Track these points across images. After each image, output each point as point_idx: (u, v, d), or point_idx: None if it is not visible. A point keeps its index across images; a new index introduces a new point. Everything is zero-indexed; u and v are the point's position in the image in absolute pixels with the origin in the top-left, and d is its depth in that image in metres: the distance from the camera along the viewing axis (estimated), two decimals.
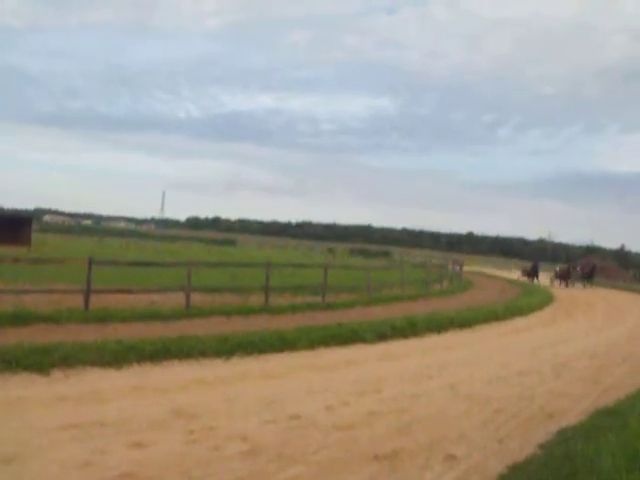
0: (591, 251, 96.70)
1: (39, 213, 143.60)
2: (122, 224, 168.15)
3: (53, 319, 12.76)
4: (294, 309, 17.96)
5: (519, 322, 20.72)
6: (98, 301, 14.73)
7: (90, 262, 14.88)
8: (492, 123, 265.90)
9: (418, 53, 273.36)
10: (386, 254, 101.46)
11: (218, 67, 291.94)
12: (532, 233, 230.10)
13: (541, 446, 6.95)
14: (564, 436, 7.22)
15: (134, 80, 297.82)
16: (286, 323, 14.67)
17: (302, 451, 6.41)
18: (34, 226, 58.98)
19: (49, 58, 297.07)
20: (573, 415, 8.60)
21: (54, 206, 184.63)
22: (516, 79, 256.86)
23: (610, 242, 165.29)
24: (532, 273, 48.04)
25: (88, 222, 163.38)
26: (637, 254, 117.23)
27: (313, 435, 7.02)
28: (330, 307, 19.24)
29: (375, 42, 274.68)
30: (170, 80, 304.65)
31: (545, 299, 29.55)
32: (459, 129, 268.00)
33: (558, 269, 50.57)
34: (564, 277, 47.46)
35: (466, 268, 50.88)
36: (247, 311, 16.56)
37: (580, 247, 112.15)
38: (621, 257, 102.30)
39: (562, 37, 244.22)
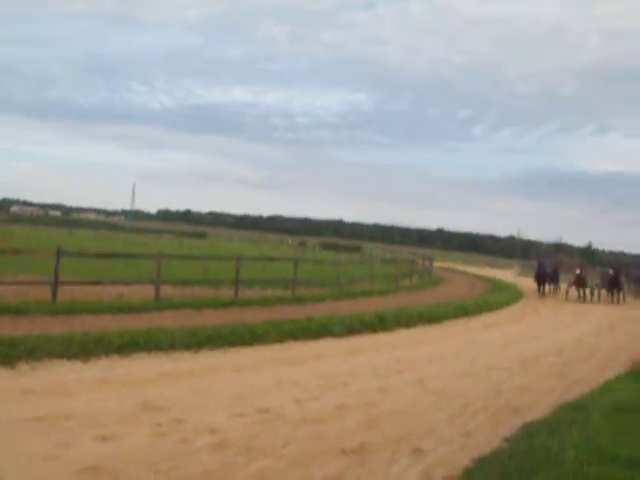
0: (559, 248, 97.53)
1: (6, 203, 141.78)
2: (92, 215, 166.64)
3: (20, 311, 12.62)
4: (264, 302, 17.97)
5: (488, 318, 20.91)
6: (66, 293, 14.60)
7: (58, 253, 14.73)
8: (467, 120, 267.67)
9: (396, 49, 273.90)
10: (357, 249, 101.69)
11: (195, 59, 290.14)
12: (502, 230, 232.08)
13: (507, 440, 7.03)
14: (529, 430, 7.31)
15: (110, 70, 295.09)
16: (256, 316, 14.65)
17: (270, 444, 6.42)
18: (1, 216, 58.27)
19: (23, 47, 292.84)
20: (539, 410, 8.70)
21: (22, 196, 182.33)
22: (493, 77, 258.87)
23: (578, 240, 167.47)
24: (545, 277, 33.99)
25: (57, 213, 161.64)
26: (604, 252, 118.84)
27: (282, 428, 7.03)
28: (300, 301, 19.27)
29: (353, 37, 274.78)
30: (146, 71, 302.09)
31: (514, 295, 29.85)
32: (434, 125, 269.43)
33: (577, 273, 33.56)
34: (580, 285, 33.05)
35: (436, 264, 51.21)
36: (217, 304, 16.52)
37: (548, 244, 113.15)
38: (588, 255, 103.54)
39: (539, 37, 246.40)
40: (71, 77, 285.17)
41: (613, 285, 32.36)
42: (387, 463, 6.19)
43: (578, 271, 33.47)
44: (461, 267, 68.63)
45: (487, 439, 7.18)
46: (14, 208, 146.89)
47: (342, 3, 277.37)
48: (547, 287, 34.36)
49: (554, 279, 34.62)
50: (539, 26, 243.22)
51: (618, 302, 31.99)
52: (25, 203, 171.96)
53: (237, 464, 5.83)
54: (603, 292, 33.11)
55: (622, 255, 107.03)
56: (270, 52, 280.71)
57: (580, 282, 32.78)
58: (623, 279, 33.03)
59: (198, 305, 15.91)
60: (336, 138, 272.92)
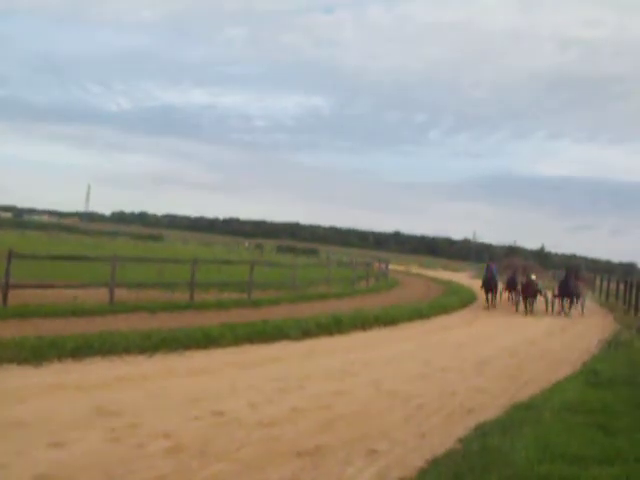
0: (513, 251, 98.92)
1: None
2: (45, 217, 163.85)
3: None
4: (220, 306, 17.90)
5: (443, 320, 21.12)
6: (17, 296, 14.35)
7: (9, 255, 14.47)
8: (424, 125, 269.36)
9: (354, 54, 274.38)
10: (313, 252, 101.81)
11: (152, 60, 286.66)
12: (457, 233, 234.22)
13: (460, 440, 7.13)
14: (482, 430, 7.42)
15: (64, 70, 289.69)
16: (211, 320, 14.59)
17: (225, 448, 6.41)
18: None
19: None
20: (492, 410, 8.82)
21: None
22: (449, 83, 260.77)
23: (531, 243, 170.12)
24: (494, 284, 28.31)
25: (8, 215, 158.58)
26: (556, 254, 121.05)
27: (237, 432, 7.02)
28: (256, 304, 19.25)
29: (311, 41, 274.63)
30: (102, 71, 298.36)
31: (468, 298, 30.15)
32: (391, 130, 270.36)
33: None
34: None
35: (392, 267, 51.53)
36: (172, 307, 16.42)
37: (503, 247, 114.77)
38: (542, 257, 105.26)
39: (494, 43, 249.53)
40: (22, 76, 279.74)
41: (564, 292, 26.58)
42: (342, 465, 6.23)
43: (534, 276, 27.83)
44: (417, 270, 69.17)
45: (441, 440, 7.26)
46: None
47: (302, 6, 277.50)
48: (500, 295, 28.76)
49: (511, 285, 28.75)
50: (494, 33, 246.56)
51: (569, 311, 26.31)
52: None
53: (192, 468, 5.81)
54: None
55: (574, 257, 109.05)
56: (228, 54, 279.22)
57: (529, 289, 26.73)
58: (576, 284, 27.09)
59: (153, 308, 15.79)
60: (294, 141, 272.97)
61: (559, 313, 26.35)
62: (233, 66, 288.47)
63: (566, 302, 26.64)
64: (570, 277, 26.84)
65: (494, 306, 27.54)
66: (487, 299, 28.04)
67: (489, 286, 27.93)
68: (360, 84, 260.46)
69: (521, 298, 27.34)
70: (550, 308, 26.80)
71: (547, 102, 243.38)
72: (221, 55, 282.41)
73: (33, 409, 7.25)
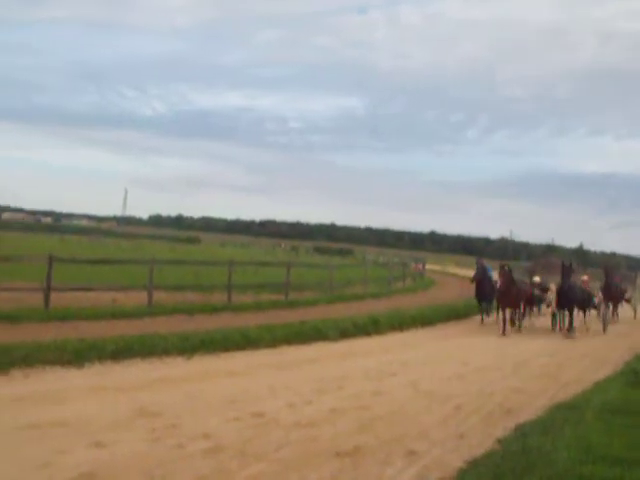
0: (551, 250, 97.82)
1: None
2: (84, 221, 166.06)
3: (12, 318, 12.61)
4: (257, 307, 17.98)
5: (479, 320, 20.94)
6: (59, 299, 14.58)
7: (51, 260, 14.71)
8: (460, 123, 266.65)
9: (388, 53, 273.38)
10: (349, 252, 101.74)
11: (187, 64, 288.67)
12: (494, 232, 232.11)
13: (500, 441, 7.07)
14: (522, 431, 7.35)
15: (101, 76, 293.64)
16: (249, 321, 14.65)
17: (264, 449, 6.43)
18: None
19: (11, 53, 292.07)
20: (531, 410, 8.74)
21: (14, 203, 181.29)
22: (485, 80, 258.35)
23: (570, 241, 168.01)
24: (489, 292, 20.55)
25: (49, 220, 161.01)
26: (595, 253, 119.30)
27: (275, 433, 7.04)
28: (293, 305, 19.29)
29: (345, 42, 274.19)
30: (138, 77, 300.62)
31: None
32: (427, 129, 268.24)
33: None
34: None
35: (428, 266, 51.30)
36: (210, 309, 16.53)
37: (541, 246, 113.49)
38: (580, 256, 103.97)
39: (532, 39, 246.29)
40: (61, 83, 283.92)
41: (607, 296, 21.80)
42: (381, 465, 6.21)
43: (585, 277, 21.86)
44: (453, 270, 68.72)
45: (480, 441, 7.21)
46: (5, 215, 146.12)
47: (334, 8, 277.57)
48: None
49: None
50: (532, 28, 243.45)
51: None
52: (16, 210, 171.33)
53: (231, 469, 5.84)
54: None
55: (614, 256, 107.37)
56: (263, 57, 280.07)
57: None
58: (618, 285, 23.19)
59: (191, 310, 15.92)
60: (329, 142, 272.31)
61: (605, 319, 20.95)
62: (267, 68, 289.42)
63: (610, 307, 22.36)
64: (610, 277, 22.67)
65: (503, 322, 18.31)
66: (482, 310, 20.77)
67: (482, 293, 20.61)
68: (395, 84, 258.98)
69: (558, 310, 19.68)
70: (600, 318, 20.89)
71: (588, 98, 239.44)
72: (255, 58, 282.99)
73: (75, 409, 7.36)
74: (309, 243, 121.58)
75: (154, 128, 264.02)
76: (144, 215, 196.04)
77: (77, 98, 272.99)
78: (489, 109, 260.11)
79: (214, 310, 16.52)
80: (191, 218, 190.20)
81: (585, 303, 20.09)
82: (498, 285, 18.61)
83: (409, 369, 11.53)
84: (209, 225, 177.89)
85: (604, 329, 20.39)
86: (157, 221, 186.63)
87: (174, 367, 10.23)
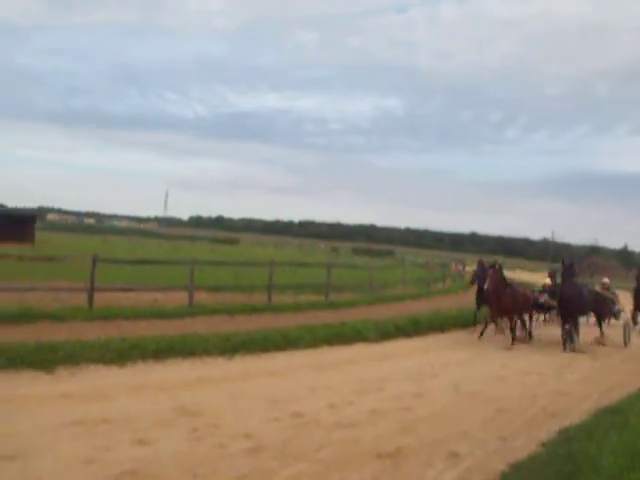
0: (595, 251, 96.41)
1: (43, 211, 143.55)
2: (125, 222, 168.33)
3: (57, 317, 12.79)
4: (297, 308, 17.98)
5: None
6: (102, 299, 14.76)
7: (94, 260, 14.91)
8: (499, 123, 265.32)
9: (427, 53, 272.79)
10: (389, 253, 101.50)
11: (226, 67, 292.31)
12: (536, 233, 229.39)
13: (544, 445, 6.98)
14: (566, 435, 7.24)
15: (141, 79, 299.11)
16: (289, 322, 14.68)
17: (305, 449, 6.44)
18: (38, 224, 59.09)
19: (55, 57, 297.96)
20: (575, 414, 8.61)
21: (58, 205, 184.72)
22: (524, 79, 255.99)
23: (614, 242, 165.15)
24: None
25: (91, 221, 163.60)
26: None
27: (316, 433, 7.05)
28: (333, 306, 19.27)
29: (384, 42, 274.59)
30: (177, 79, 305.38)
31: None
32: (466, 129, 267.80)
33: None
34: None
35: (469, 268, 50.87)
36: (250, 310, 16.58)
37: (584, 247, 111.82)
38: (624, 257, 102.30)
39: (571, 37, 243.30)
40: (102, 86, 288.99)
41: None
42: (423, 467, 6.18)
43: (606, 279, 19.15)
44: None
45: (523, 444, 7.13)
46: (50, 216, 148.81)
47: (373, 8, 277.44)
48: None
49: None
50: (571, 25, 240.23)
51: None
52: (60, 211, 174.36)
53: (272, 468, 5.85)
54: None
55: None
56: (302, 58, 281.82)
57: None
58: None
59: (231, 311, 15.98)
60: (369, 143, 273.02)
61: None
62: (307, 70, 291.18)
63: None
64: None
65: (501, 331, 17.00)
66: (476, 319, 17.81)
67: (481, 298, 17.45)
68: (434, 83, 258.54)
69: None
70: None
71: (629, 96, 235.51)
72: (294, 59, 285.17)
73: (119, 407, 7.45)
74: (348, 244, 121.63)
75: (194, 130, 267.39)
76: (184, 216, 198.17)
77: (118, 101, 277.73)
78: (528, 108, 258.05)
79: (254, 310, 16.57)
80: (231, 219, 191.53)
81: (599, 311, 16.80)
82: (485, 286, 15.55)
83: (450, 370, 11.45)
84: (249, 226, 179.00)
85: (625, 342, 16.54)
86: (197, 222, 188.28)
87: (215, 367, 10.29)
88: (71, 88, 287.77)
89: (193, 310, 15.61)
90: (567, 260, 16.11)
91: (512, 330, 15.72)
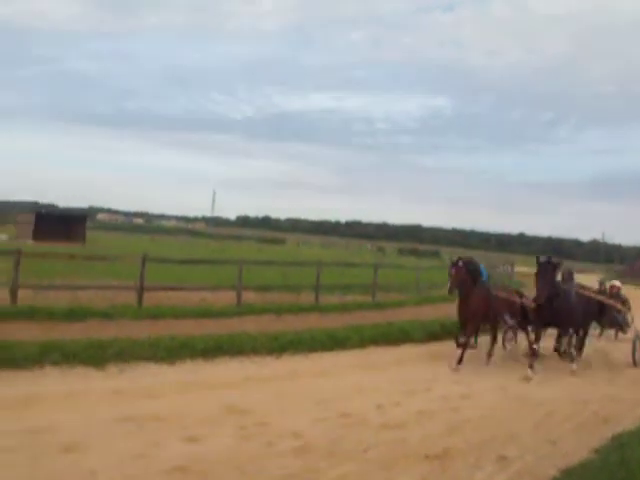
0: None
1: (93, 211, 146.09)
2: (173, 222, 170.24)
3: (107, 315, 12.98)
4: (344, 308, 17.95)
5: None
6: (151, 298, 14.94)
7: (143, 260, 15.11)
8: (550, 122, 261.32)
9: (476, 51, 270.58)
10: (435, 254, 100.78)
11: (274, 68, 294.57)
12: (586, 234, 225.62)
13: (596, 451, 6.85)
14: (620, 441, 7.10)
15: (190, 81, 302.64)
16: (336, 322, 14.66)
17: (353, 449, 6.44)
18: (88, 224, 60.16)
19: (107, 60, 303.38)
20: (628, 420, 8.44)
21: (107, 205, 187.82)
22: (575, 76, 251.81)
23: None
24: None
25: (140, 220, 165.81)
26: None
27: (364, 433, 7.04)
28: (380, 306, 19.19)
29: (432, 40, 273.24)
30: (226, 80, 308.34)
31: None
32: (516, 128, 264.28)
33: None
34: None
35: (517, 269, 50.21)
36: (298, 309, 16.60)
37: (635, 248, 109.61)
38: None
39: (623, 32, 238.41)
40: (151, 88, 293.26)
41: None
42: (471, 469, 6.13)
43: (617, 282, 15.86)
44: None
45: (574, 449, 7.01)
46: (100, 216, 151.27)
47: (421, 6, 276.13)
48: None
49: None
50: (623, 20, 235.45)
51: None
52: (110, 211, 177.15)
53: (320, 468, 5.88)
54: None
55: None
56: (349, 58, 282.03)
57: None
58: None
59: (279, 311, 16.03)
60: (416, 143, 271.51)
61: None
62: (354, 70, 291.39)
63: None
64: None
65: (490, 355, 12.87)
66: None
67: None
68: (483, 82, 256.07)
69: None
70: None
71: None
72: (342, 59, 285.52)
73: (168, 404, 7.56)
74: (394, 244, 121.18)
75: (242, 131, 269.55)
76: (232, 216, 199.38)
77: (168, 103, 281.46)
78: (579, 107, 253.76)
79: (302, 310, 16.59)
80: (278, 219, 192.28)
81: (590, 320, 13.37)
82: (448, 285, 12.53)
83: (498, 372, 11.32)
84: (295, 226, 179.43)
85: (636, 361, 13.22)
86: (244, 222, 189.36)
87: (263, 366, 10.35)
88: (121, 90, 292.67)
89: (241, 309, 15.70)
90: (542, 258, 12.47)
91: (467, 341, 12.16)
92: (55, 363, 8.82)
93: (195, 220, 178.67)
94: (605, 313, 13.69)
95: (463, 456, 6.49)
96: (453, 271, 12.45)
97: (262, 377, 9.55)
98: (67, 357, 9.00)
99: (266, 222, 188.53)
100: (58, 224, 50.44)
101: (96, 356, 9.25)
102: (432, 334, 14.38)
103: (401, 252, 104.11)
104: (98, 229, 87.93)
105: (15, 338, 9.62)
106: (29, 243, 40.50)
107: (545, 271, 12.16)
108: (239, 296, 16.48)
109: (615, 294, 14.64)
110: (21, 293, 13.24)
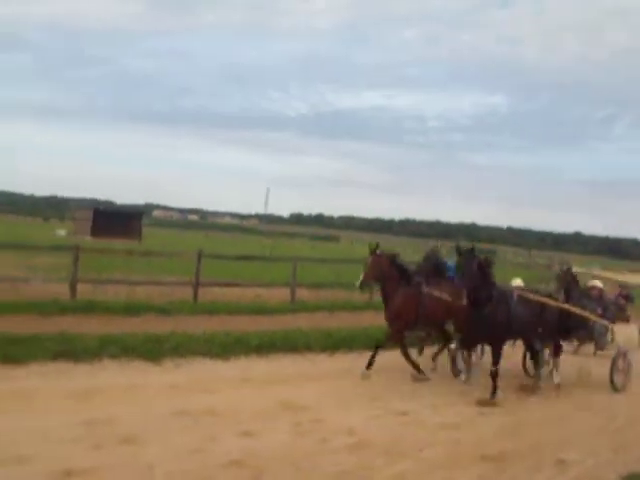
0: None
1: (149, 208, 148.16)
2: (227, 219, 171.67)
3: (164, 310, 13.14)
4: None
5: (633, 324, 19.86)
6: (206, 294, 15.07)
7: (199, 256, 15.25)
8: (607, 119, 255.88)
9: (533, 47, 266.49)
10: (490, 253, 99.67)
11: (327, 65, 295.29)
12: None
13: None
14: None
15: (245, 79, 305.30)
16: None
17: (409, 447, 6.41)
18: (144, 220, 61.06)
19: (164, 59, 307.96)
20: None
21: (163, 201, 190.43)
22: (635, 72, 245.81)
23: None
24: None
25: (195, 217, 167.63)
26: None
27: (420, 432, 6.99)
28: None
29: (487, 37, 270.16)
30: (280, 78, 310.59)
31: None
32: (573, 126, 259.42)
33: None
34: None
35: (574, 269, 49.36)
36: (351, 307, 16.55)
37: None
38: None
39: None
40: (207, 86, 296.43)
41: None
42: (529, 472, 6.05)
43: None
44: (599, 272, 65.78)
45: (637, 456, 6.82)
46: (155, 213, 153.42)
47: (476, 3, 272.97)
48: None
49: None
50: None
51: None
52: (165, 208, 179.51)
53: (376, 465, 5.85)
54: None
55: None
56: (402, 56, 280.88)
57: None
58: None
59: (332, 308, 16.00)
60: (470, 141, 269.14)
61: None
62: (407, 67, 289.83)
63: None
64: None
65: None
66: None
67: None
68: (539, 79, 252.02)
69: None
70: None
71: None
72: (395, 57, 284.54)
73: (224, 399, 7.61)
74: (448, 243, 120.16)
75: (296, 128, 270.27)
76: (285, 213, 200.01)
77: (223, 100, 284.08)
78: (637, 103, 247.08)
79: (355, 308, 16.54)
80: (331, 217, 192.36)
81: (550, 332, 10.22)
82: (360, 278, 10.59)
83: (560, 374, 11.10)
84: (349, 224, 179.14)
85: (614, 382, 10.14)
86: (298, 219, 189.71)
87: (317, 363, 10.35)
88: (178, 88, 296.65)
89: (295, 306, 15.73)
90: (463, 247, 9.92)
91: (405, 356, 10.05)
92: (113, 356, 8.97)
93: (249, 217, 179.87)
94: (574, 324, 10.41)
95: (521, 458, 6.40)
96: (369, 261, 10.44)
97: (316, 374, 9.54)
98: (125, 351, 9.15)
99: (319, 220, 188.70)
100: (115, 221, 51.37)
101: (153, 350, 9.38)
102: None
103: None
104: (153, 226, 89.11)
105: (75, 331, 9.83)
106: (87, 239, 41.30)
107: (469, 264, 9.30)
108: (293, 293, 16.51)
109: (596, 297, 11.28)
110: (80, 287, 13.49)
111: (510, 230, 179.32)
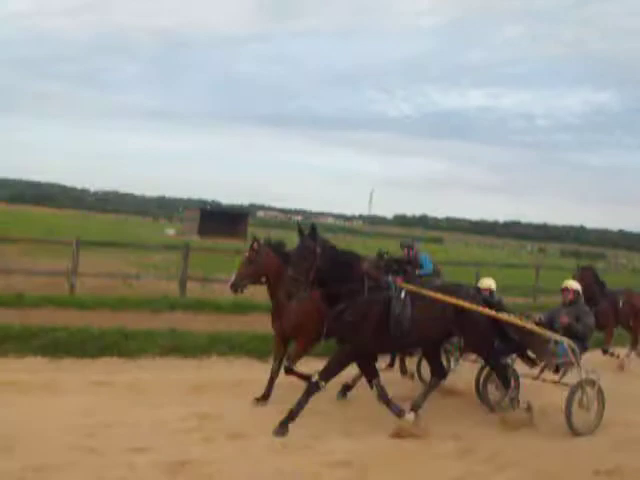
0: None
1: (254, 209, 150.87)
2: (331, 220, 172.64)
3: (269, 309, 13.30)
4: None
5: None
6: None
7: None
8: None
9: None
10: (600, 256, 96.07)
11: (431, 65, 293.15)
12: None
13: None
14: None
15: (348, 80, 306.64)
16: None
17: (517, 455, 6.22)
18: (249, 221, 62.15)
19: (269, 63, 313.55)
20: None
21: (267, 202, 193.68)
22: None
23: None
24: None
25: (299, 218, 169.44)
26: None
27: (528, 440, 6.77)
28: (542, 309, 18.45)
29: (595, 33, 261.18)
30: (384, 79, 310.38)
31: None
32: None
33: None
34: None
35: None
36: None
37: None
38: None
39: None
40: (310, 89, 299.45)
41: None
42: None
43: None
44: None
45: None
46: (260, 213, 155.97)
47: None
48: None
49: None
50: None
51: None
52: (270, 208, 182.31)
53: (483, 472, 5.76)
54: None
55: None
56: (507, 54, 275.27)
57: None
58: None
59: None
60: (579, 140, 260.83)
61: None
62: (512, 66, 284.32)
63: None
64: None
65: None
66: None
67: None
68: None
69: None
70: None
71: None
72: (500, 55, 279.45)
73: (327, 399, 7.54)
74: (556, 246, 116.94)
75: (400, 129, 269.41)
76: (389, 214, 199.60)
77: (327, 102, 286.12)
78: None
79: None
80: (435, 218, 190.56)
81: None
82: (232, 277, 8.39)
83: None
84: (453, 225, 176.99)
85: (571, 422, 7.15)
86: (402, 221, 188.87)
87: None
88: (283, 91, 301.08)
89: None
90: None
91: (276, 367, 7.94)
92: (221, 353, 9.20)
93: (352, 218, 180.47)
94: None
95: (636, 475, 6.07)
96: (246, 255, 8.39)
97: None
98: (233, 348, 9.36)
99: (423, 221, 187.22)
100: (222, 221, 52.62)
101: (260, 348, 9.54)
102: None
103: (563, 254, 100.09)
104: (258, 226, 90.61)
105: (185, 328, 10.12)
106: (195, 238, 42.35)
107: (304, 245, 7.29)
108: None
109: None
110: (189, 285, 13.87)
111: (622, 233, 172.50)
